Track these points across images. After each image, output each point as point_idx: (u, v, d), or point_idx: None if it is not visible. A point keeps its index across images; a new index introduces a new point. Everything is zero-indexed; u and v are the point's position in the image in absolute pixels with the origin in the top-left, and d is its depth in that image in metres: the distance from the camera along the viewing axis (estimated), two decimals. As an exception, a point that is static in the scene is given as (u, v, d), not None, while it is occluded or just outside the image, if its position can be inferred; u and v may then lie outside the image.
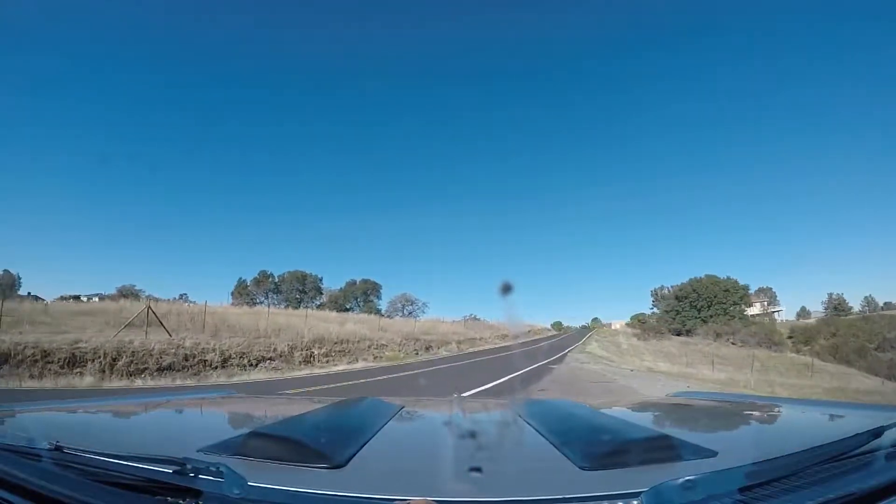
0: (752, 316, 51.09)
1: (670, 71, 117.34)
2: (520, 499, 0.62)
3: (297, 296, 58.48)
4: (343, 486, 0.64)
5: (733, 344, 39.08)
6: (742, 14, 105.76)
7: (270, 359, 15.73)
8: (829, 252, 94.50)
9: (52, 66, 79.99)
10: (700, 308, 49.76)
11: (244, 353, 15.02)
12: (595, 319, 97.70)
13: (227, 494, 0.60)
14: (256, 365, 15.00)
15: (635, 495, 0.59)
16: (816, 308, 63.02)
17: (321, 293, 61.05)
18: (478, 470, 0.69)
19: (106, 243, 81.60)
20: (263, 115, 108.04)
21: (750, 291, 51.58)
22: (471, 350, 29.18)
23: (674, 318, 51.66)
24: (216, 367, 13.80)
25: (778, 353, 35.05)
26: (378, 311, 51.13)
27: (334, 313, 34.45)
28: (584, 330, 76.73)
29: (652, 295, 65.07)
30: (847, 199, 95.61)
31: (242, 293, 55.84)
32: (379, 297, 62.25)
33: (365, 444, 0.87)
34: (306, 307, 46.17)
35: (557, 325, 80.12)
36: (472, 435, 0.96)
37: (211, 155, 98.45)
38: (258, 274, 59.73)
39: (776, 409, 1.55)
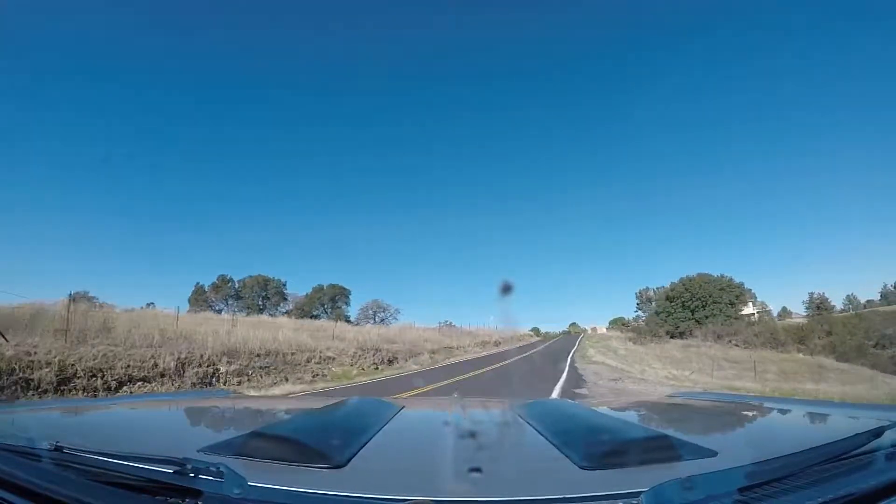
0: (748, 316, 49.02)
1: (654, 70, 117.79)
2: (520, 499, 0.62)
3: (260, 302, 54.61)
4: (343, 487, 0.64)
5: (736, 346, 36.43)
6: (729, 15, 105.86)
7: (145, 379, 10.87)
8: (806, 252, 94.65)
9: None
10: (694, 308, 46.23)
11: (101, 370, 10.16)
12: (573, 324, 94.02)
13: (227, 494, 0.60)
14: (119, 388, 10.37)
15: (635, 495, 0.59)
16: (797, 308, 62.65)
17: (285, 299, 57.01)
18: (478, 470, 0.69)
19: (77, 252, 76.12)
20: (235, 118, 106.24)
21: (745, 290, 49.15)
22: (448, 362, 22.78)
23: (665, 320, 47.73)
24: (46, 391, 9.08)
25: (785, 353, 32.60)
26: (346, 319, 48.03)
27: (287, 319, 31.12)
28: (568, 335, 72.76)
29: (637, 297, 62.89)
30: (823, 200, 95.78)
31: (200, 299, 51.62)
32: (348, 304, 58.49)
33: (365, 444, 0.87)
34: (270, 315, 42.61)
35: (535, 331, 76.10)
36: (472, 435, 0.96)
37: (187, 158, 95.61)
38: (217, 279, 55.19)
39: (776, 409, 1.55)
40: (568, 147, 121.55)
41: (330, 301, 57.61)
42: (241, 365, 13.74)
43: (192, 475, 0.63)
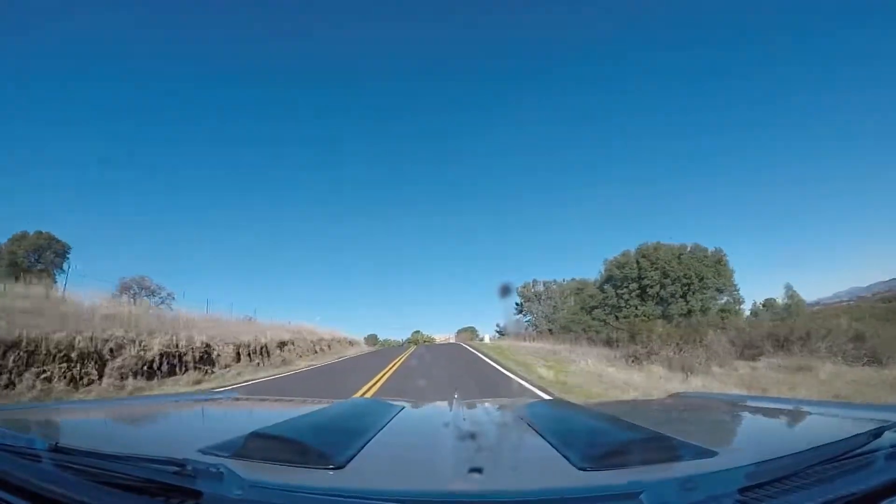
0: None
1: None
2: (520, 499, 0.63)
3: None
4: (343, 487, 0.64)
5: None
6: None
7: None
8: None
9: None
10: (666, 297, 27.17)
11: None
12: (416, 332, 73.76)
13: (227, 495, 0.60)
14: None
15: (635, 495, 0.59)
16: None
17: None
18: (478, 471, 0.69)
19: None
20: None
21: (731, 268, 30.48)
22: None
23: (603, 320, 29.23)
24: None
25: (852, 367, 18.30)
26: (55, 282, 21.41)
27: None
28: (416, 344, 47.58)
29: (519, 294, 46.43)
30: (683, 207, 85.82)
31: None
32: (63, 267, 32.49)
33: (365, 444, 0.87)
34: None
35: (373, 339, 59.50)
36: (472, 436, 0.96)
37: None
38: None
39: (776, 409, 1.55)
40: (401, 141, 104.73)
41: (34, 256, 33.89)
42: None
43: (192, 475, 0.63)
